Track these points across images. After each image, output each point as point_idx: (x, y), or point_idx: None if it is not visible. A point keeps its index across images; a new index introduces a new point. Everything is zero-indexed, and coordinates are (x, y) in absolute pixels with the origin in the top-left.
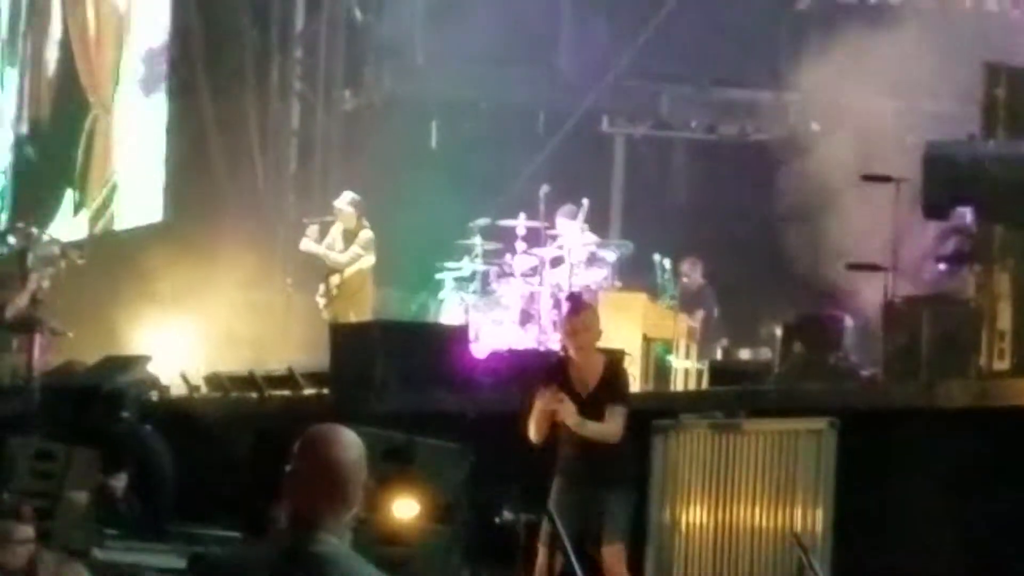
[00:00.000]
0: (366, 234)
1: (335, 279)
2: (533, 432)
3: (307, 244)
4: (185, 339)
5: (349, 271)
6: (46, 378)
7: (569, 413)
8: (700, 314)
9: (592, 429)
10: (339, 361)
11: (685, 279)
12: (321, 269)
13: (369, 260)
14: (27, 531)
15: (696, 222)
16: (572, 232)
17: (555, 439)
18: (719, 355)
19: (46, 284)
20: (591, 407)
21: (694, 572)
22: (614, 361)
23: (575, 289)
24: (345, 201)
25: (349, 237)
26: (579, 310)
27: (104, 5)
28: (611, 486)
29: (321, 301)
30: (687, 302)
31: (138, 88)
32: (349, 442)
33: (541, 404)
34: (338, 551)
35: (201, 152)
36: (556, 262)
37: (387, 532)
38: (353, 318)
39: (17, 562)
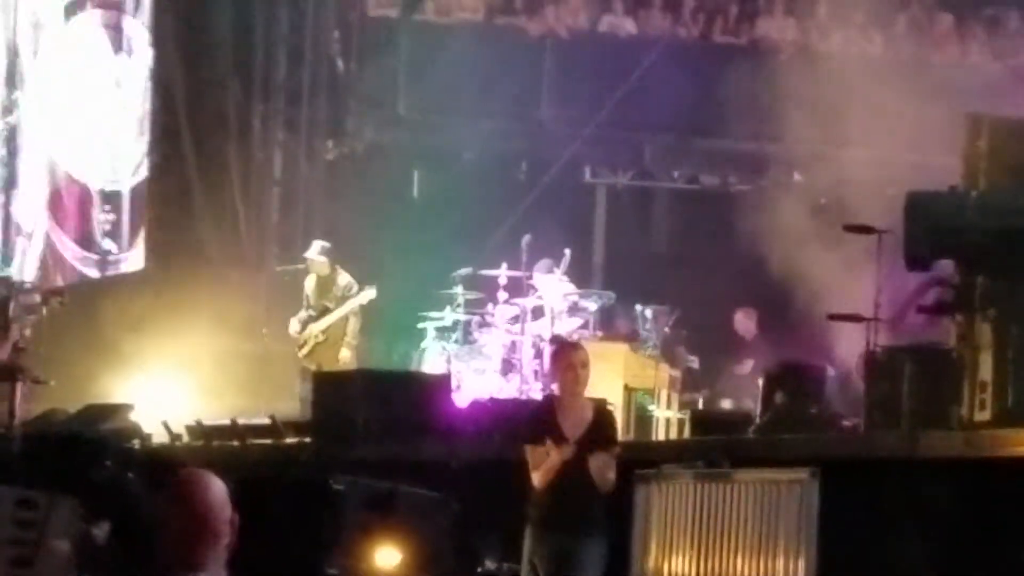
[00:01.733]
0: (344, 279)
1: (318, 327)
2: (539, 481)
3: (294, 328)
4: (167, 388)
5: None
6: (27, 426)
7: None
8: (749, 364)
9: (600, 463)
10: (321, 409)
11: (740, 329)
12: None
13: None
14: None
15: (678, 272)
16: (550, 286)
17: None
18: (700, 405)
19: (28, 332)
20: (578, 450)
21: None
22: (603, 406)
23: (558, 333)
24: (315, 251)
25: (324, 285)
26: (566, 350)
27: None
28: (585, 535)
29: (303, 351)
30: (738, 352)
31: None
32: (212, 482)
33: (557, 456)
34: None
35: (183, 201)
36: (538, 312)
37: None
38: (345, 359)
39: None
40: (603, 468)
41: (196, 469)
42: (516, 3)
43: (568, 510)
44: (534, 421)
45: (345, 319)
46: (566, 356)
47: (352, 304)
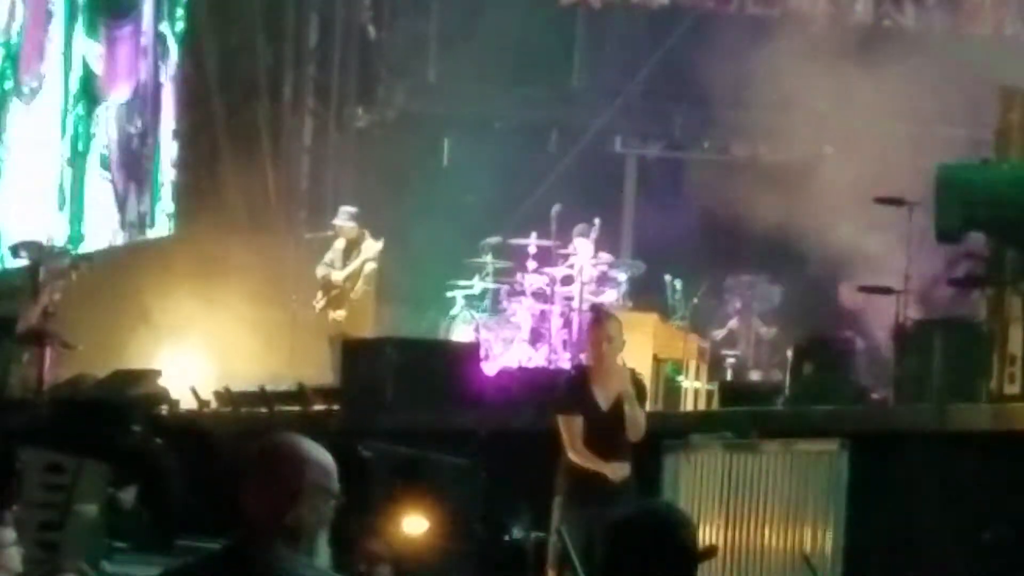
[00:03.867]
0: (370, 246)
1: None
2: (577, 459)
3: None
4: (195, 354)
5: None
6: (56, 391)
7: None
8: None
9: (637, 411)
10: (349, 377)
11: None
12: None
13: (369, 266)
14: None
15: (707, 243)
16: (585, 250)
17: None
18: (729, 376)
19: (57, 297)
20: (613, 419)
21: None
22: (635, 376)
23: (598, 300)
24: (344, 217)
25: (351, 249)
26: (604, 319)
27: None
28: (615, 505)
29: (319, 304)
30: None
31: None
32: (302, 449)
33: (606, 469)
34: (293, 564)
35: (213, 167)
36: (567, 281)
37: (396, 548)
38: (351, 321)
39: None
40: (635, 415)
41: (300, 436)
42: None
43: (598, 481)
44: (568, 391)
45: (356, 278)
46: (598, 327)
47: (364, 256)
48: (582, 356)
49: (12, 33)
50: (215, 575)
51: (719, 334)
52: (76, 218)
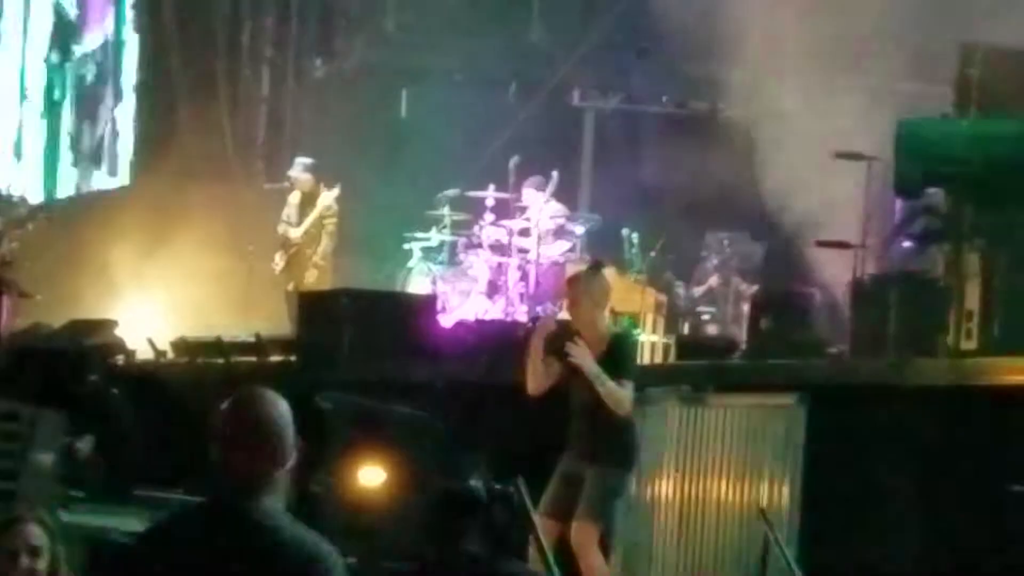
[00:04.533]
0: (326, 198)
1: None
2: (531, 381)
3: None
4: (152, 304)
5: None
6: (12, 340)
7: (584, 355)
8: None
9: (609, 386)
10: (306, 329)
11: None
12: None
13: (330, 223)
14: None
15: (664, 197)
16: (538, 203)
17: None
18: (686, 330)
19: (15, 246)
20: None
21: (660, 545)
22: (619, 336)
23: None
24: (299, 169)
25: (307, 202)
26: (568, 283)
27: None
28: (594, 464)
29: (278, 267)
30: None
31: None
32: (276, 399)
33: (537, 340)
34: (281, 518)
35: (170, 117)
36: (524, 233)
37: (353, 499)
38: (310, 280)
39: None
40: (610, 395)
41: (261, 387)
42: None
43: (578, 435)
44: (557, 336)
45: (317, 237)
46: (573, 283)
47: (319, 210)
48: (538, 308)
49: None
50: (207, 530)
51: (699, 291)
52: (50, 170)
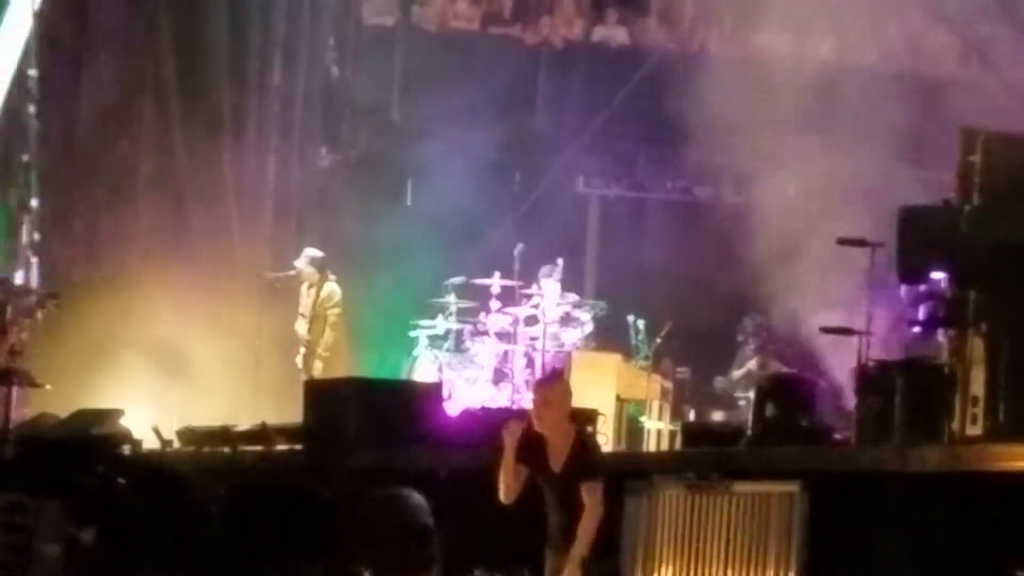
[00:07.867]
0: (328, 290)
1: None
2: (502, 490)
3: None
4: (161, 393)
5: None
6: (20, 430)
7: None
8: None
9: (584, 543)
10: (313, 417)
11: None
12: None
13: (333, 312)
14: None
15: (670, 283)
16: (553, 291)
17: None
18: (692, 417)
19: (24, 336)
20: (563, 482)
21: None
22: (583, 434)
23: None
24: (304, 261)
25: (311, 294)
26: (544, 383)
27: None
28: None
29: (300, 362)
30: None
31: None
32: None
33: (510, 449)
34: None
35: (176, 206)
36: (530, 321)
37: None
38: (316, 372)
39: None
40: (588, 532)
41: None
42: (511, 13)
43: (565, 529)
44: (525, 441)
45: (321, 329)
46: (536, 390)
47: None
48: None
49: None
50: None
51: (737, 375)
52: None
